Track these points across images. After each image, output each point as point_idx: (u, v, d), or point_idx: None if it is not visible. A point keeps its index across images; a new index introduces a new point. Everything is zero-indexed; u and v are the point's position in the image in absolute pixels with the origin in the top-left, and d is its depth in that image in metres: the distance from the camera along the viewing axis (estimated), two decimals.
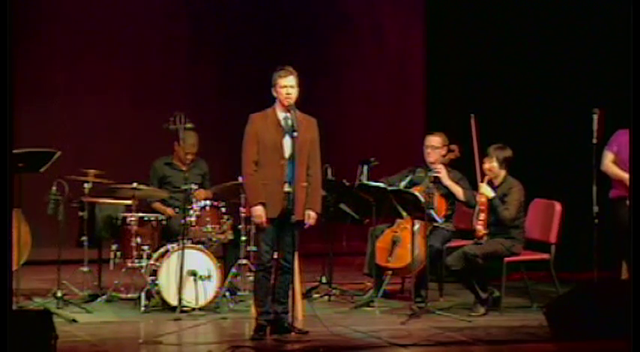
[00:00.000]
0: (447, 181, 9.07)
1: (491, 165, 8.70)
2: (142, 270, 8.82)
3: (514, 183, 8.70)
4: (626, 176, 8.69)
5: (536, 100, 11.25)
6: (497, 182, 8.72)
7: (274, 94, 7.57)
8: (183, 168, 9.10)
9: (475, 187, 8.92)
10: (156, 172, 9.42)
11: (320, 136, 7.68)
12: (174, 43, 12.38)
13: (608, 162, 8.97)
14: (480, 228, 8.60)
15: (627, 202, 8.53)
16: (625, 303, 6.97)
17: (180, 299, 8.37)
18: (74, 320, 8.08)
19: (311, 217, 7.60)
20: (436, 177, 9.07)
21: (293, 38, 12.53)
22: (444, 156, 9.16)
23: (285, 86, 7.52)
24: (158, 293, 8.59)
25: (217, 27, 12.46)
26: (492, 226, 8.64)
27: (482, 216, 8.61)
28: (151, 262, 8.76)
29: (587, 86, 10.80)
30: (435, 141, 9.19)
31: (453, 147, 9.21)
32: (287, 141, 7.53)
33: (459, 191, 9.06)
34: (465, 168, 9.22)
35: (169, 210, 9.24)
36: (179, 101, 11.20)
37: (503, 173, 8.74)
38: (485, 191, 8.63)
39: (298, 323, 7.91)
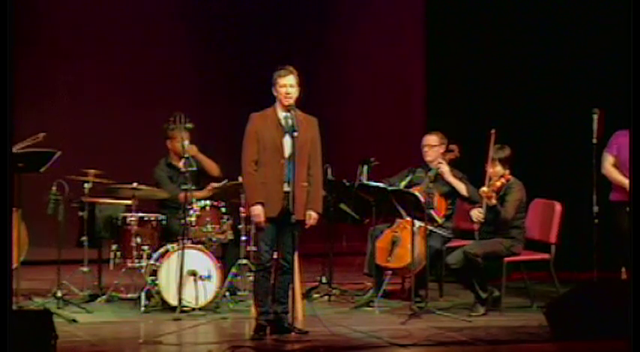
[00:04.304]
0: (449, 177, 9.06)
1: (495, 169, 8.67)
2: (142, 270, 8.82)
3: (515, 183, 8.69)
4: (626, 182, 8.66)
5: (536, 100, 11.25)
6: (501, 182, 8.65)
7: (274, 94, 7.57)
8: (182, 169, 9.12)
9: (476, 186, 8.95)
10: (165, 173, 9.35)
11: (320, 136, 7.68)
12: (175, 43, 12.38)
13: (609, 166, 8.94)
14: (492, 194, 8.55)
15: (627, 208, 8.51)
16: (625, 303, 6.97)
17: (180, 299, 8.37)
18: (74, 320, 8.08)
19: (312, 217, 7.60)
20: (437, 175, 9.07)
21: (294, 38, 12.53)
22: (442, 155, 9.16)
23: (285, 85, 7.52)
24: (158, 293, 8.59)
25: (217, 27, 12.45)
26: (492, 225, 8.64)
27: (492, 188, 8.56)
28: (151, 262, 8.77)
29: (587, 86, 10.80)
30: (431, 139, 9.21)
31: (453, 147, 9.21)
32: (287, 141, 7.53)
33: (461, 187, 9.05)
34: (465, 168, 9.23)
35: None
36: (179, 101, 11.20)
37: (507, 173, 8.71)
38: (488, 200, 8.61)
39: (298, 323, 7.91)
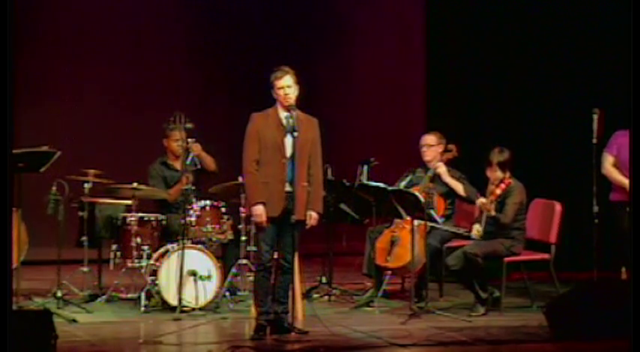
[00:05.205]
0: (446, 178, 9.09)
1: (495, 174, 8.63)
2: (142, 270, 8.82)
3: (516, 186, 8.65)
4: (626, 182, 8.66)
5: (536, 100, 11.26)
6: (501, 189, 8.60)
7: (274, 96, 7.58)
8: (178, 168, 9.15)
9: (475, 186, 8.96)
10: (157, 173, 9.39)
11: (320, 136, 7.69)
12: (175, 43, 12.38)
13: (609, 166, 8.93)
14: (488, 203, 8.51)
15: (627, 208, 8.51)
16: (625, 303, 6.97)
17: (180, 299, 8.37)
18: (74, 320, 8.08)
19: (312, 217, 7.60)
20: (435, 175, 9.08)
21: (294, 38, 12.53)
22: (441, 154, 9.17)
23: (283, 87, 7.52)
24: (158, 293, 8.59)
25: (217, 27, 12.46)
26: (493, 226, 8.63)
27: (492, 198, 8.52)
28: (151, 262, 8.77)
29: (587, 86, 10.80)
30: (430, 139, 9.24)
31: (451, 147, 9.22)
32: (288, 141, 7.53)
33: (459, 187, 9.07)
34: (464, 168, 9.23)
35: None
36: (179, 101, 11.19)
37: (507, 175, 8.66)
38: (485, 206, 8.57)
39: (298, 323, 7.91)
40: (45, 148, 8.31)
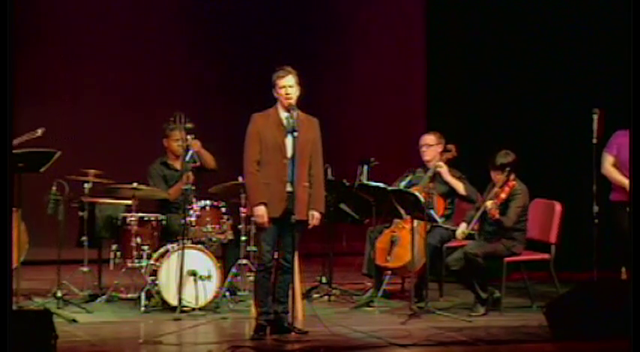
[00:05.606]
0: (447, 177, 9.09)
1: (499, 176, 8.60)
2: (142, 270, 8.82)
3: (520, 189, 8.62)
4: (626, 182, 8.65)
5: (536, 100, 11.26)
6: (506, 193, 8.58)
7: (275, 95, 7.58)
8: (178, 168, 9.16)
9: (475, 186, 8.96)
10: (157, 173, 9.39)
11: (321, 136, 7.68)
12: (175, 43, 12.39)
13: (609, 166, 8.92)
14: (494, 208, 8.49)
15: (627, 208, 8.50)
16: (625, 303, 6.97)
17: (180, 299, 8.37)
18: (74, 320, 8.08)
19: (315, 217, 7.60)
20: (435, 175, 9.08)
21: (294, 37, 12.53)
22: (440, 154, 9.17)
23: (285, 86, 7.53)
24: (158, 293, 8.59)
25: (218, 26, 12.46)
26: (493, 227, 8.63)
27: (496, 202, 8.51)
28: (151, 262, 8.77)
29: (587, 86, 10.80)
30: (429, 139, 9.26)
31: (450, 146, 9.23)
32: (289, 141, 7.52)
33: (459, 186, 9.07)
34: (464, 168, 9.23)
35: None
36: (180, 101, 11.20)
37: (512, 178, 8.62)
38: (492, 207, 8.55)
39: (298, 323, 7.91)
40: (40, 131, 8.28)
